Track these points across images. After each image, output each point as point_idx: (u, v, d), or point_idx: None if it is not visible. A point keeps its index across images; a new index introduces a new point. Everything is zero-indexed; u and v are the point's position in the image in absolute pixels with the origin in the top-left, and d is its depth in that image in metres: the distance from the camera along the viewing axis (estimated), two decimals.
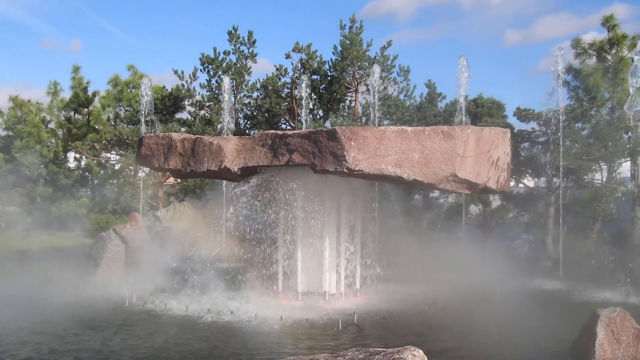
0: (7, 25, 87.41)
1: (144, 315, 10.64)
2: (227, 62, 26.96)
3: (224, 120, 22.01)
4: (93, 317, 10.50)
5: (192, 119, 27.53)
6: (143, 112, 20.45)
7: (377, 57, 25.19)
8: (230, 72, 26.80)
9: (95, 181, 31.10)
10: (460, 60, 15.83)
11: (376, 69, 20.30)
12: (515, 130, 19.85)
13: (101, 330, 9.59)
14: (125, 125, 26.48)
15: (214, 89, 27.09)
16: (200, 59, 27.12)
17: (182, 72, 27.48)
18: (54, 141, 30.66)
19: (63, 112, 32.06)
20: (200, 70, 27.39)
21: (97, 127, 30.36)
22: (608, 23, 20.37)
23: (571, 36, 22.62)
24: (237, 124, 27.40)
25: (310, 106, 26.81)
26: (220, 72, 26.92)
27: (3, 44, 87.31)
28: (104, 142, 26.64)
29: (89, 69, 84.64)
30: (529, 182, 22.00)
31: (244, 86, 27.37)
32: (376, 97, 20.07)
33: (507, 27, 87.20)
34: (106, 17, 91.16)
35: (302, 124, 22.24)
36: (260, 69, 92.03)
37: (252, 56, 27.49)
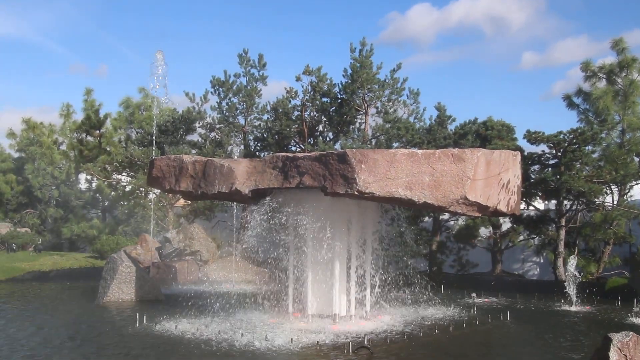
0: (31, 51, 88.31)
1: (154, 338, 10.61)
2: (237, 85, 27.17)
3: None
4: (100, 339, 10.52)
5: (203, 141, 27.68)
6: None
7: (387, 80, 25.26)
8: (241, 95, 26.98)
9: (106, 203, 31.30)
10: None
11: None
12: (526, 153, 19.83)
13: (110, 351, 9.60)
14: (137, 147, 26.62)
15: (224, 111, 27.26)
16: (211, 82, 27.34)
17: (193, 95, 27.75)
18: (65, 163, 30.85)
19: (75, 134, 32.34)
20: (211, 92, 27.60)
21: (108, 149, 30.67)
22: (617, 46, 20.46)
23: (589, 59, 22.72)
24: (247, 146, 27.52)
25: (320, 128, 26.92)
26: (230, 95, 27.12)
27: (23, 68, 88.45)
28: (115, 163, 26.81)
29: (106, 91, 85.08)
30: (539, 204, 21.92)
31: (254, 108, 27.53)
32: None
33: (525, 49, 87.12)
34: (120, 39, 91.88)
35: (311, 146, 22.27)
36: (273, 91, 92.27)
37: (263, 79, 27.68)
